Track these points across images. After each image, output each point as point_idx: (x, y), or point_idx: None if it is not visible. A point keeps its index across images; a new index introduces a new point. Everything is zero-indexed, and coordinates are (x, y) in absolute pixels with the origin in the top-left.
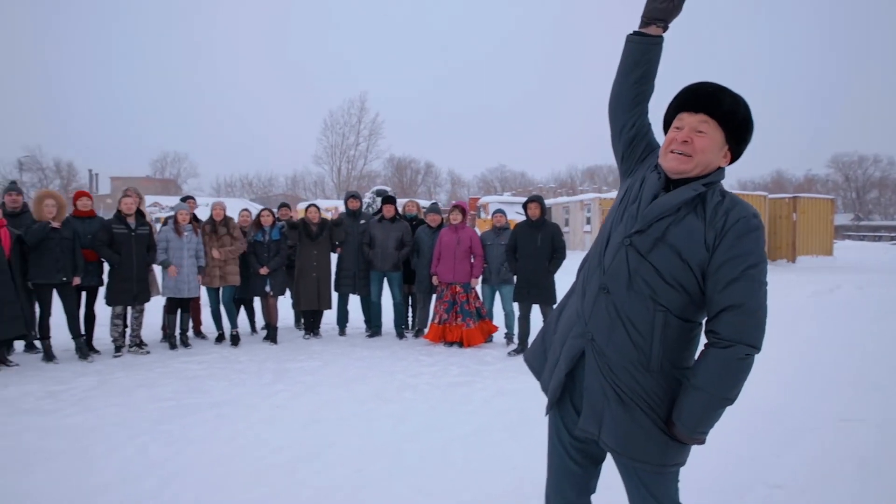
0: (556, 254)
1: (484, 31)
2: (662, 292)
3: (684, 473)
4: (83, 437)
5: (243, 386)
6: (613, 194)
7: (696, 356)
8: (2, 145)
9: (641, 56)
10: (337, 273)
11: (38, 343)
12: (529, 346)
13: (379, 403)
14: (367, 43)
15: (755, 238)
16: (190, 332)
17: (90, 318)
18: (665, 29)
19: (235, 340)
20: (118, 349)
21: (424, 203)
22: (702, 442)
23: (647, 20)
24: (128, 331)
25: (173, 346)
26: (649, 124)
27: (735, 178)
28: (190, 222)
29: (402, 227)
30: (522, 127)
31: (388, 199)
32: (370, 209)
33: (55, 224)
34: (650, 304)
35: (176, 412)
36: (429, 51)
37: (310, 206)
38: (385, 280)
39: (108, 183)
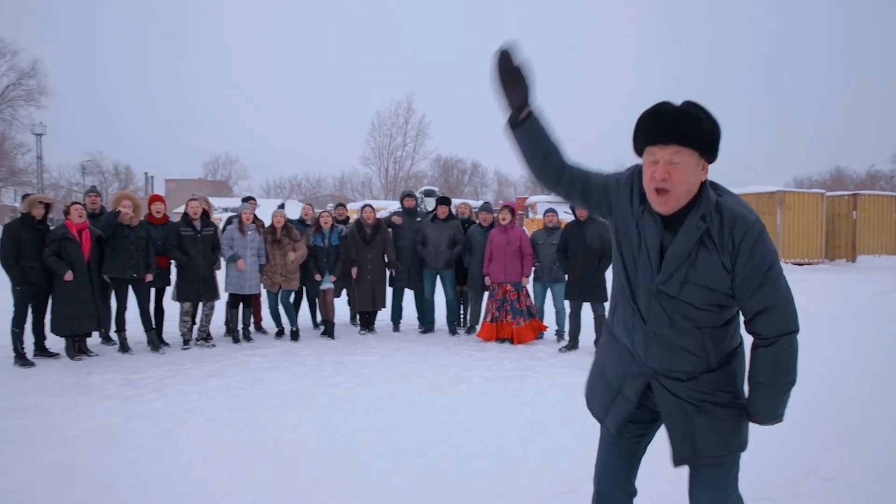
0: (606, 252)
1: (525, 28)
2: (702, 318)
3: None
4: (163, 420)
5: (305, 378)
6: None
7: (749, 355)
8: (67, 151)
9: (531, 141)
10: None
11: (113, 336)
12: (588, 390)
13: (435, 395)
14: (412, 42)
15: (762, 242)
16: (251, 327)
17: (159, 313)
18: (529, 108)
19: (295, 336)
20: (186, 342)
21: (475, 204)
22: (781, 420)
23: (513, 110)
24: (196, 325)
25: (236, 340)
26: (585, 172)
27: (791, 175)
28: (252, 222)
29: (455, 225)
30: (568, 124)
31: (443, 200)
32: (422, 208)
33: (132, 223)
34: (695, 330)
35: (244, 400)
36: (473, 49)
37: (365, 206)
38: (438, 278)
39: (163, 185)
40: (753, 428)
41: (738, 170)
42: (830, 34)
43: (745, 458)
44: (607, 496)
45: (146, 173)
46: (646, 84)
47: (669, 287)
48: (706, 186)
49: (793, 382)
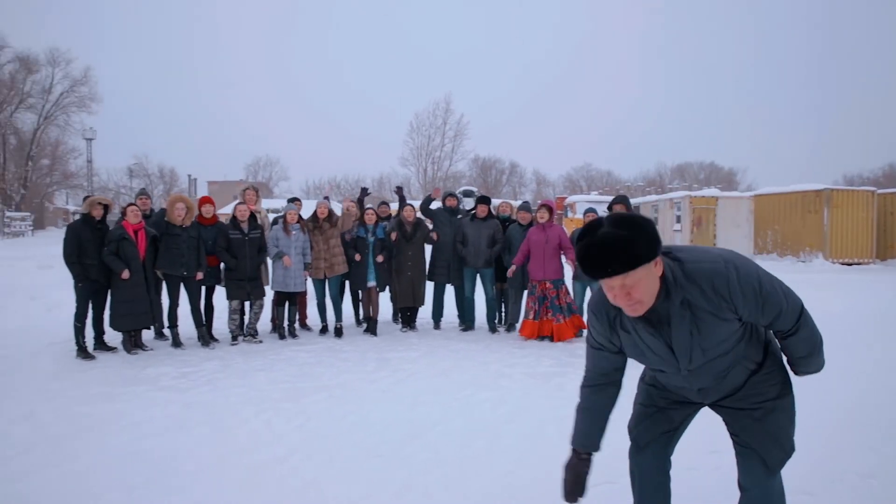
0: None
1: (565, 30)
2: (734, 356)
3: None
4: (217, 410)
5: (349, 372)
6: (704, 192)
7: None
8: (115, 154)
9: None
10: (432, 263)
11: (165, 331)
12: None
13: (476, 389)
14: (451, 42)
15: (744, 277)
16: (296, 324)
17: (209, 310)
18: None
19: (339, 332)
20: (234, 338)
21: (516, 204)
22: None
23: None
24: (245, 322)
25: (282, 337)
26: (604, 364)
27: (841, 173)
28: (297, 222)
29: (494, 224)
30: (608, 124)
31: (483, 200)
32: (461, 207)
33: (184, 223)
34: (733, 364)
35: (292, 393)
36: (512, 49)
37: (405, 205)
38: (478, 276)
39: (206, 187)
40: (798, 427)
41: (784, 168)
42: (890, 26)
43: None
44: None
45: (189, 175)
46: (689, 75)
47: (695, 363)
48: (666, 269)
49: (822, 340)
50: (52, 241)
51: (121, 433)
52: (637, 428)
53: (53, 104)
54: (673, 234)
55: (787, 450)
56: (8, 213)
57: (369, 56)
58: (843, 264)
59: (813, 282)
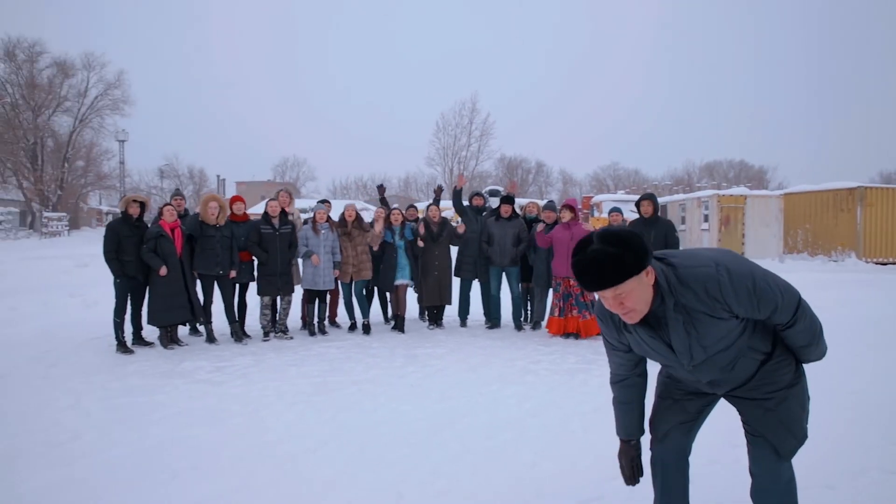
0: (669, 248)
1: (592, 27)
2: (737, 350)
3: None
4: (251, 403)
5: (378, 368)
6: (733, 191)
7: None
8: (146, 156)
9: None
10: (458, 260)
11: (200, 328)
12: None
13: (503, 385)
14: (478, 43)
15: (737, 278)
16: (325, 322)
17: (242, 307)
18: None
19: (367, 329)
20: (266, 334)
21: (543, 204)
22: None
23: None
24: (276, 318)
25: (312, 333)
26: (621, 361)
27: (877, 170)
28: (326, 221)
29: (518, 224)
30: (636, 123)
31: (506, 199)
32: (488, 207)
33: (218, 222)
34: (739, 357)
35: (323, 387)
36: (538, 47)
37: (430, 205)
38: (503, 275)
39: (234, 187)
40: (822, 421)
41: (818, 166)
42: None
43: (809, 447)
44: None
45: (218, 176)
46: (718, 72)
47: (697, 360)
48: (659, 276)
49: (821, 329)
50: (87, 241)
51: (161, 423)
52: (655, 419)
53: (88, 107)
54: (701, 233)
55: (800, 438)
56: (45, 214)
57: (396, 56)
58: (877, 263)
59: (845, 281)
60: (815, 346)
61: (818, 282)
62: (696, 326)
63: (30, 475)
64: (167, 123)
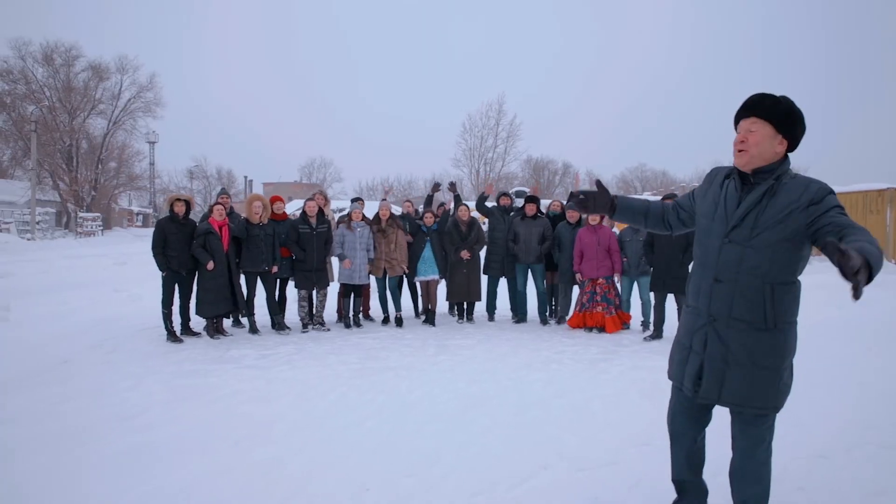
0: (690, 247)
1: (619, 29)
2: (765, 267)
3: (796, 420)
4: (298, 385)
5: (412, 356)
6: None
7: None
8: (175, 157)
9: (629, 216)
10: (486, 259)
11: (242, 319)
12: (669, 361)
13: (528, 371)
14: (504, 44)
15: (830, 192)
16: (360, 315)
17: (282, 300)
18: (614, 203)
19: (399, 322)
20: (305, 326)
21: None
22: (869, 279)
23: (607, 210)
24: (314, 310)
25: (347, 326)
26: (671, 207)
27: None
28: (361, 219)
29: (543, 223)
30: (664, 123)
31: (531, 199)
32: (514, 206)
33: (262, 221)
34: (758, 281)
35: (362, 372)
36: (567, 49)
37: (461, 205)
38: (529, 272)
39: (261, 188)
40: (826, 392)
41: (851, 166)
42: None
43: (808, 417)
44: (681, 435)
45: (245, 177)
46: (746, 71)
47: (739, 233)
48: (786, 162)
49: (881, 253)
50: (121, 240)
51: (218, 401)
52: (670, 420)
53: (121, 110)
54: None
55: (723, 400)
56: (80, 214)
57: (422, 57)
58: None
59: (878, 284)
60: (873, 248)
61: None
62: (770, 204)
63: (109, 442)
64: (195, 125)
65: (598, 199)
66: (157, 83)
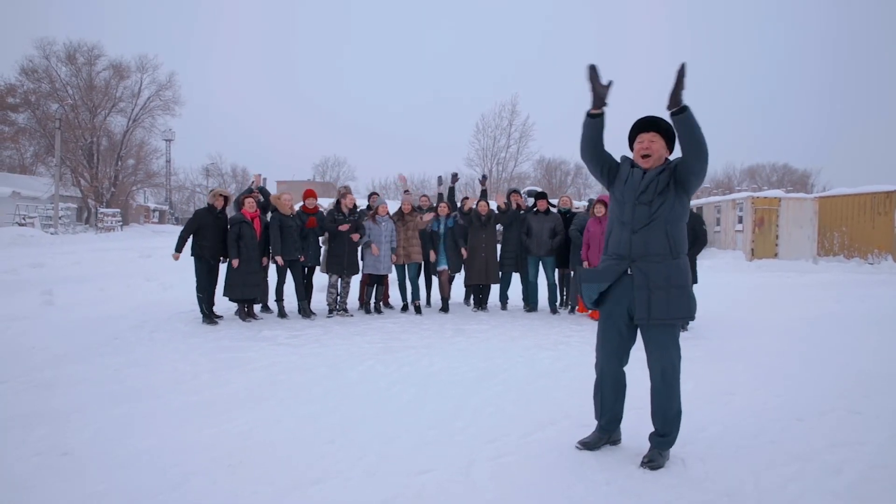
0: (698, 240)
1: (629, 29)
2: (666, 215)
3: (779, 391)
4: (329, 359)
5: (431, 338)
6: (769, 193)
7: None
8: (192, 155)
9: (596, 131)
10: (502, 254)
11: (271, 305)
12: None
13: (539, 350)
14: (516, 45)
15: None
16: (380, 303)
17: (309, 287)
18: (604, 108)
19: (418, 309)
20: (330, 311)
21: (578, 203)
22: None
23: (596, 104)
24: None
25: (368, 312)
26: (611, 157)
27: None
28: (386, 214)
29: (555, 218)
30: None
31: (542, 195)
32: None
33: (291, 213)
34: (662, 225)
35: (386, 350)
36: (576, 48)
37: (480, 201)
38: (540, 264)
39: (275, 186)
40: (822, 386)
41: (864, 169)
42: None
43: (787, 386)
44: (607, 363)
45: (259, 175)
46: (761, 74)
47: (646, 197)
48: (668, 160)
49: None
50: (141, 235)
51: (258, 371)
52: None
53: (141, 108)
54: (735, 234)
55: (652, 317)
56: (101, 210)
57: (435, 59)
58: None
59: (879, 282)
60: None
61: (853, 282)
62: (661, 177)
63: (170, 399)
64: (211, 123)
65: (600, 92)
66: (176, 82)
